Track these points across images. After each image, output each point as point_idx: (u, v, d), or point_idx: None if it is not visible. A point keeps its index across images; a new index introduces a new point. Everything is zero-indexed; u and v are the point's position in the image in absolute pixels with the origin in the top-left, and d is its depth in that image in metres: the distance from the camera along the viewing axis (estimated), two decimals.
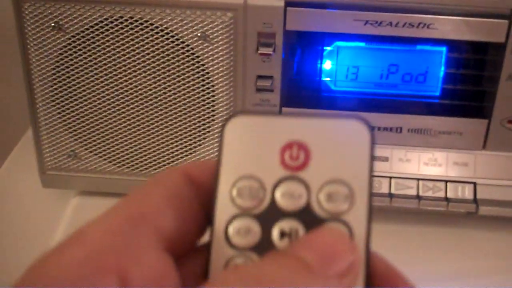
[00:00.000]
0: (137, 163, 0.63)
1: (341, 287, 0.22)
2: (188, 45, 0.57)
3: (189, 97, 0.59)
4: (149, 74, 0.59)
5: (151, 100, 0.60)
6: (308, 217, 0.25)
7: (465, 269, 0.59)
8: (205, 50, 0.57)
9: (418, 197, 0.61)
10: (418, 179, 0.61)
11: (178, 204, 0.25)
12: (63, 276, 0.22)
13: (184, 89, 0.59)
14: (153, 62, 0.58)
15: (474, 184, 0.61)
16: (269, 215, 0.25)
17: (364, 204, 0.24)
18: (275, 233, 0.25)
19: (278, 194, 0.25)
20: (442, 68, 0.60)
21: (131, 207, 0.24)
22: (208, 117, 0.60)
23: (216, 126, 0.61)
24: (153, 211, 0.25)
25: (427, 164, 0.61)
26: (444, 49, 0.59)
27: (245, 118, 0.27)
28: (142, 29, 0.57)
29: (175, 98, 0.59)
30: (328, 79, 0.61)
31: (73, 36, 0.57)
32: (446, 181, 0.61)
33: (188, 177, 0.26)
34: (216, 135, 0.61)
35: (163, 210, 0.25)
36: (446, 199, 0.60)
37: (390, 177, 0.61)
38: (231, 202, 0.26)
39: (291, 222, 0.25)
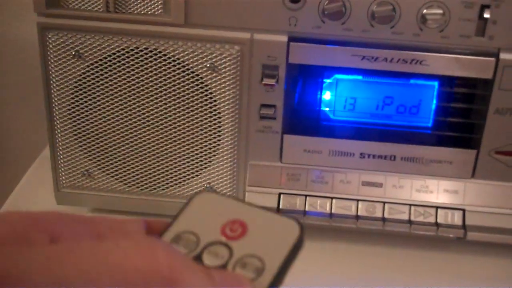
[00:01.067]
0: (146, 184, 0.67)
1: None
2: (197, 75, 0.61)
3: (197, 122, 0.63)
4: (161, 101, 0.63)
5: (161, 124, 0.64)
6: None
7: None
8: (214, 80, 0.61)
9: (409, 221, 0.64)
10: (410, 205, 0.65)
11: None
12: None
13: (192, 115, 0.63)
14: (165, 89, 0.62)
15: (463, 210, 0.64)
16: None
17: (268, 280, 0.29)
18: None
19: (206, 251, 0.30)
20: (434, 101, 0.64)
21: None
22: (214, 142, 0.64)
23: (221, 151, 0.65)
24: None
25: (419, 190, 0.65)
26: (436, 83, 0.63)
27: (212, 195, 0.33)
28: (155, 59, 0.61)
29: (184, 124, 0.64)
30: (327, 109, 0.65)
31: (92, 64, 0.62)
32: (437, 207, 0.64)
33: (145, 222, 0.32)
34: (220, 161, 0.65)
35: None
36: (436, 224, 0.64)
37: (384, 202, 0.65)
38: None
39: None
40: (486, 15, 0.57)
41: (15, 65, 1.01)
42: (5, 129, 1.07)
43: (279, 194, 0.65)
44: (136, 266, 0.25)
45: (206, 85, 0.62)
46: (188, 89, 0.62)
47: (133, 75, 0.62)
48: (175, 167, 0.66)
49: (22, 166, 0.81)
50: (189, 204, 0.33)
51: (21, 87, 1.01)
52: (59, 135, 0.65)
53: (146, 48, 0.61)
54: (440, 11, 0.57)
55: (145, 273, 0.25)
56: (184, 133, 0.64)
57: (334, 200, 0.65)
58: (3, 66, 1.01)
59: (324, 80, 0.64)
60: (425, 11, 0.57)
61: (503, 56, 0.59)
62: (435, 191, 0.65)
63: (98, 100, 0.63)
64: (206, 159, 0.65)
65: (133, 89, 0.63)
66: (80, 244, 0.26)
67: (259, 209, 0.32)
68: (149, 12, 0.60)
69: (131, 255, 0.25)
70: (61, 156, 0.67)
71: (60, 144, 0.66)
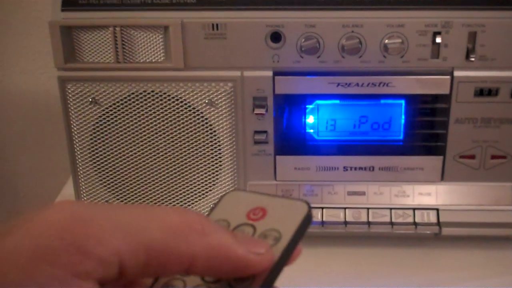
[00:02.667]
0: None
1: (246, 257, 0.33)
2: (198, 110, 0.71)
3: (200, 152, 0.73)
4: (168, 136, 0.72)
5: (170, 156, 0.73)
6: None
7: (433, 281, 0.71)
8: (212, 113, 0.71)
9: (391, 223, 0.73)
10: (391, 209, 0.73)
11: None
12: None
13: (196, 146, 0.73)
14: (171, 125, 0.72)
15: (437, 210, 0.73)
16: None
17: (284, 244, 0.36)
18: None
19: (235, 230, 0.38)
20: (403, 117, 0.73)
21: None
22: (216, 167, 0.74)
23: (223, 175, 0.74)
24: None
25: (397, 195, 0.74)
26: (403, 101, 0.72)
27: (237, 192, 0.42)
28: (161, 100, 0.71)
29: (189, 154, 0.73)
30: (311, 130, 0.74)
31: (107, 108, 0.71)
32: (414, 209, 0.73)
33: None
34: (222, 184, 0.74)
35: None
36: (415, 223, 0.73)
37: (368, 208, 0.74)
38: None
39: None
40: (438, 40, 0.67)
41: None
42: (23, 175, 1.15)
43: None
44: (175, 220, 0.32)
45: (206, 119, 0.72)
46: (190, 123, 0.72)
47: (143, 115, 0.72)
48: (183, 193, 0.75)
49: (48, 198, 0.89)
50: (219, 201, 0.41)
51: (49, 131, 1.09)
52: (81, 172, 0.75)
53: (153, 91, 0.71)
54: (399, 40, 0.67)
55: (181, 225, 0.32)
56: (189, 162, 0.74)
57: (324, 210, 0.74)
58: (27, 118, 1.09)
59: (307, 106, 0.73)
60: (386, 41, 0.67)
61: (456, 73, 0.69)
62: (411, 195, 0.74)
63: (114, 139, 0.73)
64: (210, 183, 0.75)
65: (144, 127, 0.72)
66: (128, 206, 0.34)
67: (274, 197, 0.40)
68: (153, 60, 0.70)
69: (170, 214, 0.33)
70: (84, 190, 0.76)
71: (82, 179, 0.75)
